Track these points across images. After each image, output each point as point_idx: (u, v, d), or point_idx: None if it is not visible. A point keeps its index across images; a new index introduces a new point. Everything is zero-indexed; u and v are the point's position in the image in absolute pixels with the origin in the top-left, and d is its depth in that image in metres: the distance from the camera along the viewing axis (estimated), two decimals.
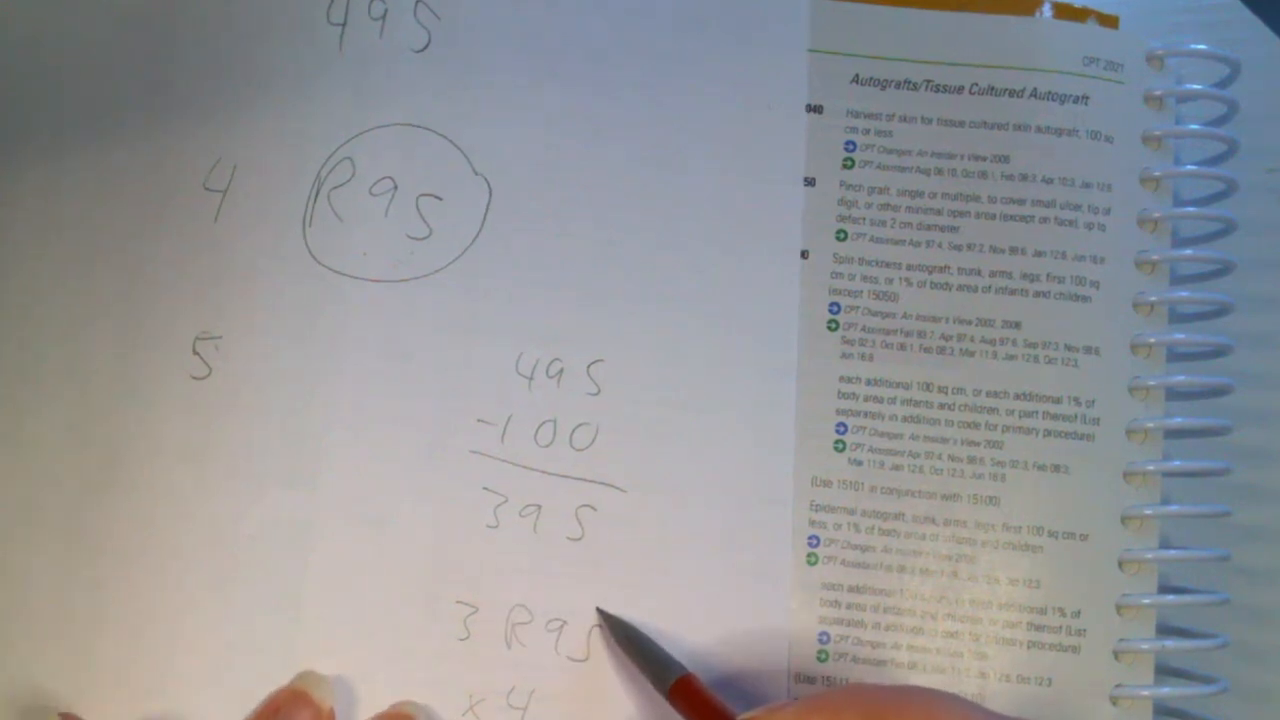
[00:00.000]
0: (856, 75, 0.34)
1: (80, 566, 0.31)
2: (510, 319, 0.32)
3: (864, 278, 0.33)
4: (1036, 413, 0.32)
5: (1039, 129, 0.33)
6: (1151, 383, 0.32)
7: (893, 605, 0.31)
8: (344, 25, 0.33)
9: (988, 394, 0.32)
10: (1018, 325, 0.32)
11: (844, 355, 0.32)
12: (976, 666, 0.31)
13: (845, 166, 0.33)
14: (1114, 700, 0.31)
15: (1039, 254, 0.33)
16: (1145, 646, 0.31)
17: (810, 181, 0.33)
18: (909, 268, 0.33)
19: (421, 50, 0.33)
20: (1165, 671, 0.32)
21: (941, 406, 0.32)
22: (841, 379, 0.32)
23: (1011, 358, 0.32)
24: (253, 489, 0.31)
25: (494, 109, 0.33)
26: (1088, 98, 0.33)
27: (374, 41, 0.33)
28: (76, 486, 0.31)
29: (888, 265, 0.33)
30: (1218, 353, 0.33)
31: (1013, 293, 0.33)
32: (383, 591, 0.31)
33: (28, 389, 0.32)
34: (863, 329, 0.33)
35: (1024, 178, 0.33)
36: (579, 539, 0.31)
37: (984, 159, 0.33)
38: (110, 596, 0.30)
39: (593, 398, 0.32)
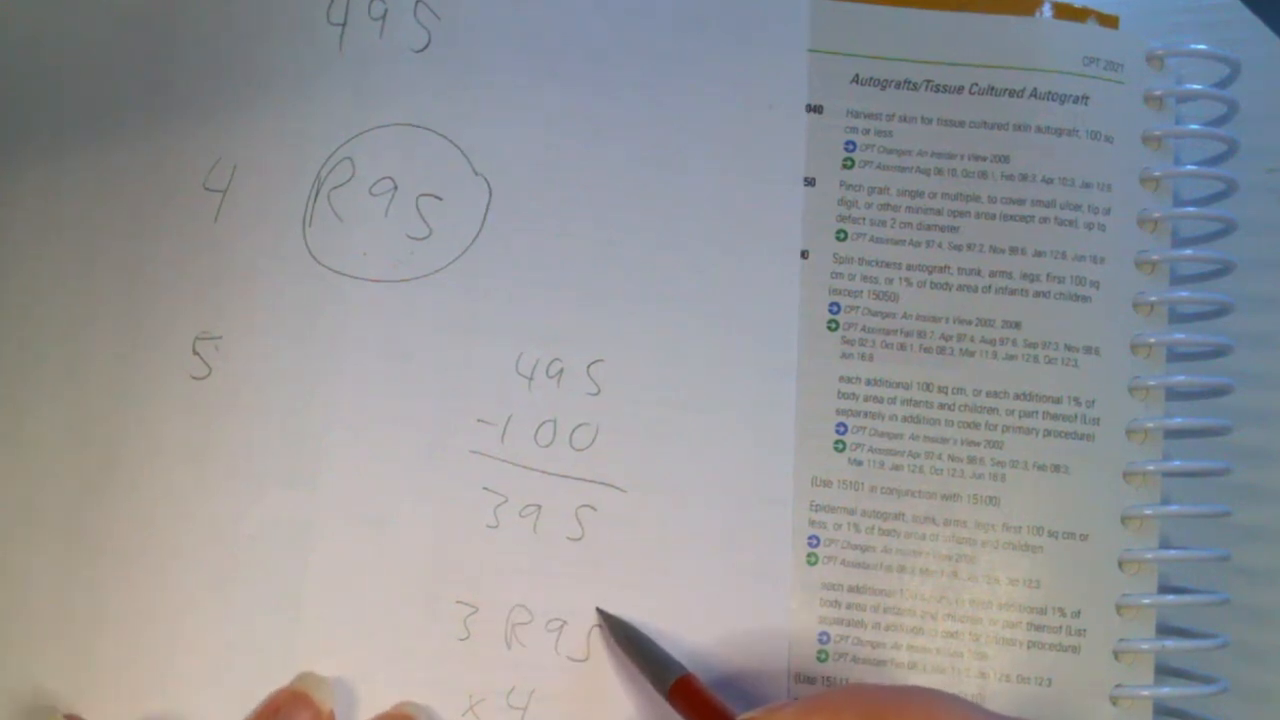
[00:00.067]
0: (856, 75, 0.34)
1: (80, 566, 0.31)
2: (510, 319, 0.32)
3: (864, 278, 0.33)
4: (1036, 413, 0.32)
5: (1039, 129, 0.33)
6: (1151, 383, 0.32)
7: (893, 605, 0.31)
8: (344, 25, 0.33)
9: (988, 394, 0.32)
10: (1018, 325, 0.32)
11: (844, 355, 0.32)
12: (976, 666, 0.31)
13: (845, 166, 0.33)
14: (1114, 700, 0.31)
15: (1039, 254, 0.33)
16: (1145, 646, 0.31)
17: (810, 181, 0.33)
18: (909, 268, 0.33)
19: (421, 50, 0.33)
20: (1165, 671, 0.32)
21: (941, 406, 0.32)
22: (841, 379, 0.32)
23: (1011, 358, 0.32)
24: (253, 489, 0.31)
25: (494, 109, 0.33)
26: (1088, 98, 0.33)
27: (374, 41, 0.33)
28: (76, 486, 0.31)
29: (888, 265, 0.33)
30: (1218, 353, 0.33)
31: (1013, 293, 0.33)
32: (383, 591, 0.31)
33: (28, 389, 0.32)
34: (863, 329, 0.33)
35: (1024, 178, 0.33)
36: (579, 539, 0.31)
37: (984, 159, 0.33)
38: (110, 596, 0.30)
39: (593, 398, 0.32)
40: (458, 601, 0.31)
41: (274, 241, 0.32)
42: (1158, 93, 0.34)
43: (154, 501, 0.31)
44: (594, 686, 0.31)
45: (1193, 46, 0.34)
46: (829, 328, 0.33)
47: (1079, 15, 0.34)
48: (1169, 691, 0.31)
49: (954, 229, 0.33)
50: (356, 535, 0.31)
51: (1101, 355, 0.32)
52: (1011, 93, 0.33)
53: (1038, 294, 0.32)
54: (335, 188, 0.32)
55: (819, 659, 0.31)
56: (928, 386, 0.32)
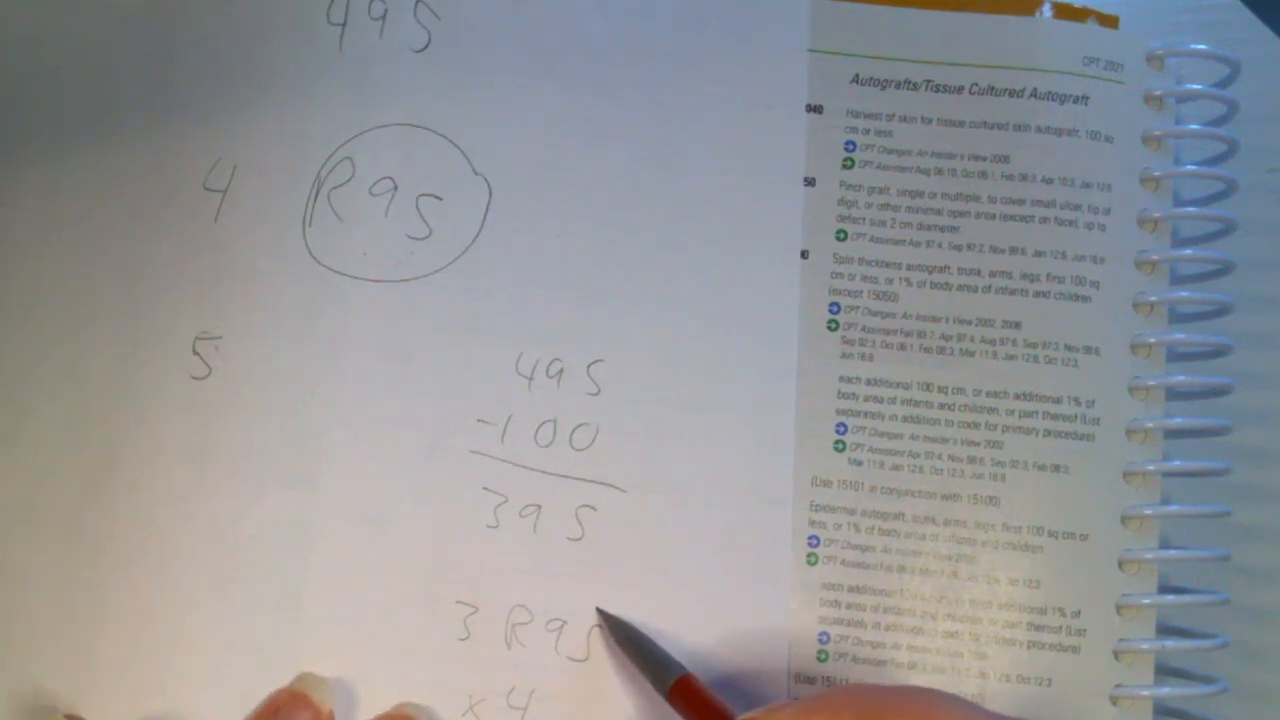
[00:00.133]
0: (856, 75, 0.34)
1: (80, 566, 0.31)
2: (510, 319, 0.32)
3: (864, 278, 0.33)
4: (1036, 413, 0.32)
5: (1039, 129, 0.33)
6: (1151, 383, 0.32)
7: (893, 605, 0.31)
8: (344, 25, 0.33)
9: (988, 394, 0.32)
10: (1018, 325, 0.32)
11: (844, 355, 0.32)
12: (976, 666, 0.31)
13: (845, 166, 0.33)
14: (1114, 700, 0.31)
15: (1039, 254, 0.33)
16: (1145, 646, 0.31)
17: (810, 181, 0.33)
18: (909, 268, 0.33)
19: (421, 50, 0.33)
20: (1165, 671, 0.32)
21: (941, 406, 0.32)
22: (841, 379, 0.32)
23: (1011, 358, 0.32)
24: (253, 489, 0.31)
25: (494, 109, 0.33)
26: (1088, 98, 0.33)
27: (374, 41, 0.33)
28: (76, 486, 0.31)
29: (888, 265, 0.33)
30: (1218, 353, 0.33)
31: (1013, 293, 0.33)
32: (383, 591, 0.31)
33: (28, 389, 0.32)
34: (863, 329, 0.33)
35: (1024, 178, 0.33)
36: (579, 539, 0.31)
37: (984, 159, 0.33)
38: (110, 596, 0.30)
39: (593, 398, 0.32)
40: (458, 601, 0.31)
41: (274, 241, 0.32)
42: (1158, 93, 0.34)
43: (154, 501, 0.31)
44: (594, 686, 0.31)
45: (1193, 46, 0.34)
46: (829, 328, 0.33)
47: (1079, 15, 0.34)
48: (1169, 691, 0.31)
49: (954, 229, 0.33)
50: (356, 535, 0.31)
51: (1101, 355, 0.32)
52: (1011, 93, 0.33)
53: (1038, 294, 0.32)
54: (335, 188, 0.32)
55: (819, 659, 0.31)
56: (928, 386, 0.32)
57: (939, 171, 0.33)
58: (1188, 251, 0.34)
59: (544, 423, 0.32)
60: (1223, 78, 0.34)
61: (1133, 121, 0.34)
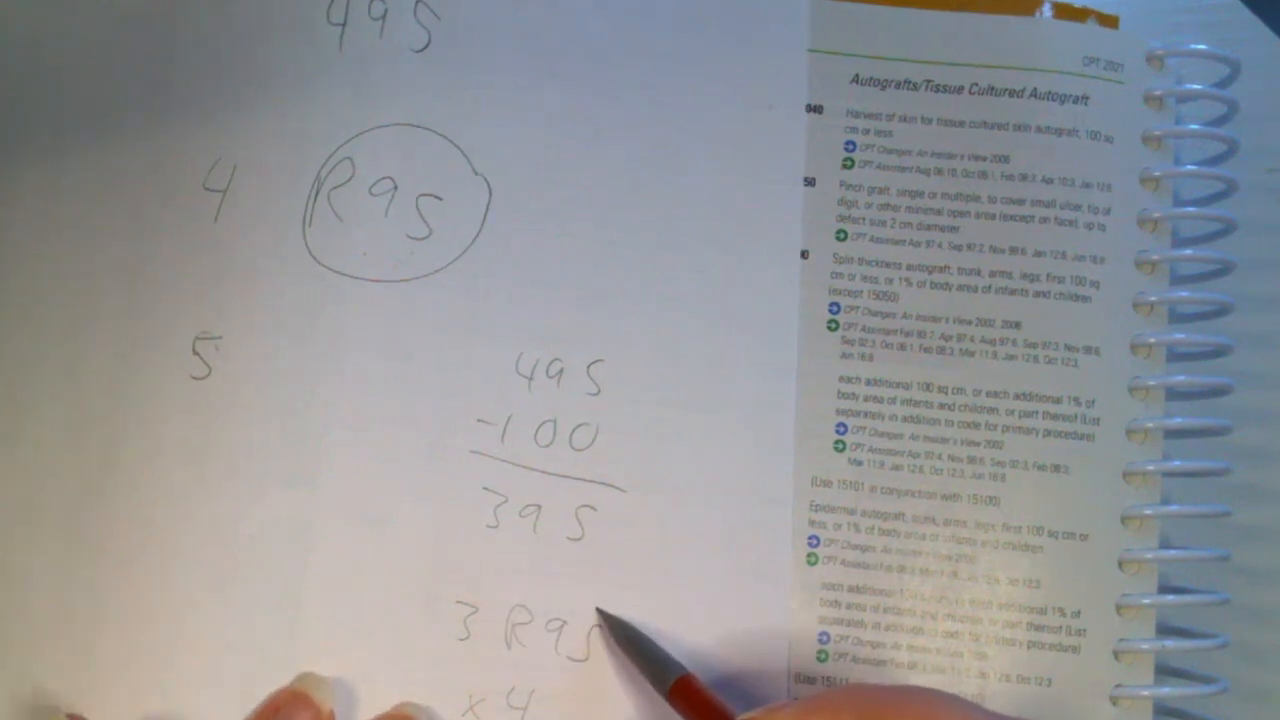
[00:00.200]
0: (856, 75, 0.34)
1: (80, 566, 0.31)
2: (510, 319, 0.32)
3: (864, 278, 0.33)
4: (1036, 413, 0.32)
5: (1039, 129, 0.33)
6: (1151, 383, 0.32)
7: (893, 605, 0.31)
8: (344, 25, 0.33)
9: (988, 394, 0.32)
10: (1018, 325, 0.32)
11: (844, 355, 0.32)
12: (976, 666, 0.31)
13: (845, 166, 0.33)
14: (1114, 700, 0.31)
15: (1039, 254, 0.33)
16: (1145, 646, 0.31)
17: (810, 181, 0.33)
18: (909, 268, 0.33)
19: (421, 50, 0.33)
20: (1165, 671, 0.32)
21: (941, 406, 0.32)
22: (841, 379, 0.32)
23: (1011, 358, 0.32)
24: (253, 489, 0.31)
25: (494, 109, 0.33)
26: (1088, 98, 0.33)
27: (374, 41, 0.33)
28: (76, 486, 0.31)
29: (888, 265, 0.33)
30: (1218, 353, 0.33)
31: (1013, 293, 0.33)
32: (383, 591, 0.31)
33: (28, 389, 0.32)
34: (863, 329, 0.33)
35: (1024, 178, 0.33)
36: (579, 539, 0.31)
37: (984, 159, 0.33)
38: (110, 596, 0.30)
39: (593, 398, 0.32)
40: (458, 601, 0.31)
41: (274, 241, 0.32)
42: (1158, 93, 0.34)
43: (154, 501, 0.31)
44: (594, 686, 0.31)
45: (1193, 46, 0.34)
46: (829, 328, 0.33)
47: (1079, 15, 0.34)
48: (1169, 691, 0.31)
49: (954, 229, 0.33)
50: (356, 535, 0.31)
51: (1101, 355, 0.32)
52: (1011, 93, 0.33)
53: (1038, 294, 0.32)
54: (335, 188, 0.32)
55: (819, 659, 0.31)
56: (928, 386, 0.32)
57: (939, 171, 0.33)
58: (1188, 251, 0.34)
59: (544, 423, 0.32)
60: (1223, 78, 0.34)
61: (1133, 121, 0.34)
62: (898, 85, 0.34)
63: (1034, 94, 0.33)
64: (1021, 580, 0.31)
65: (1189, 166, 0.34)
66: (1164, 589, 0.32)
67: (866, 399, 0.32)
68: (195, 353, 0.32)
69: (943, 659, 0.31)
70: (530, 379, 0.32)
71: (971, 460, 0.32)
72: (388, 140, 0.33)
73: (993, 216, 0.33)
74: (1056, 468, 0.32)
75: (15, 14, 0.33)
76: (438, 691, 0.30)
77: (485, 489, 0.31)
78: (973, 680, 0.31)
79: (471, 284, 0.32)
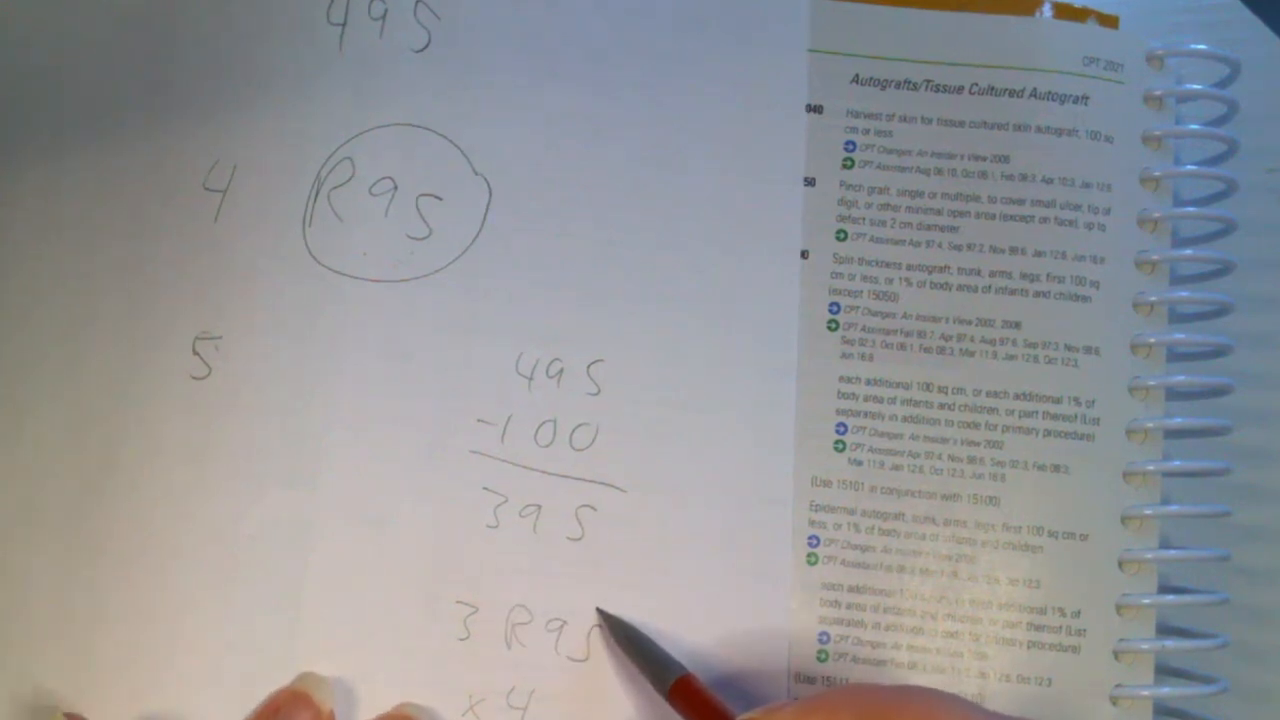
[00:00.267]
0: (856, 75, 0.34)
1: (80, 566, 0.31)
2: (510, 319, 0.32)
3: (864, 278, 0.33)
4: (1036, 413, 0.32)
5: (1039, 129, 0.33)
6: (1151, 383, 0.32)
7: (893, 605, 0.31)
8: (344, 25, 0.33)
9: (988, 394, 0.32)
10: (1018, 325, 0.32)
11: (844, 355, 0.32)
12: (976, 666, 0.31)
13: (845, 166, 0.33)
14: (1114, 700, 0.31)
15: (1039, 254, 0.33)
16: (1145, 646, 0.31)
17: (810, 181, 0.33)
18: (909, 268, 0.33)
19: (421, 50, 0.33)
20: (1165, 671, 0.32)
21: (941, 406, 0.32)
22: (841, 379, 0.32)
23: (1011, 358, 0.32)
24: (253, 489, 0.31)
25: (494, 109, 0.33)
26: (1088, 98, 0.33)
27: (374, 41, 0.33)
28: (76, 486, 0.31)
29: (888, 265, 0.33)
30: (1218, 353, 0.33)
31: (1013, 293, 0.33)
32: (383, 591, 0.31)
33: (28, 389, 0.32)
34: (863, 329, 0.33)
35: (1024, 178, 0.33)
36: (579, 539, 0.31)
37: (984, 159, 0.33)
38: (110, 596, 0.30)
39: (593, 398, 0.32)
40: (458, 601, 0.31)
41: (274, 241, 0.32)
42: (1158, 93, 0.34)
43: (154, 501, 0.31)
44: (594, 686, 0.31)
45: (1193, 46, 0.34)
46: (829, 328, 0.33)
47: (1079, 15, 0.34)
48: (1169, 691, 0.31)
49: (954, 229, 0.33)
50: (356, 535, 0.31)
51: (1101, 355, 0.32)
52: (1011, 93, 0.33)
53: (1038, 294, 0.32)
54: (335, 188, 0.32)
55: (819, 659, 0.31)
56: (928, 386, 0.32)
57: (939, 171, 0.33)
58: (1188, 251, 0.34)
59: (544, 423, 0.32)
60: (1223, 78, 0.34)
61: (1133, 121, 0.34)
62: (898, 85, 0.34)
63: (1034, 94, 0.33)
64: (1021, 580, 0.31)
65: (1189, 166, 0.34)
66: (1164, 589, 0.32)
67: (866, 399, 0.32)
68: (195, 353, 0.32)
69: (943, 659, 0.31)
70: (530, 379, 0.32)
71: (971, 460, 0.32)
72: (388, 140, 0.33)
73: (993, 216, 0.33)
74: (1056, 468, 0.32)
75: (15, 14, 0.33)
76: (438, 691, 0.30)
77: (485, 489, 0.31)
78: (973, 680, 0.31)
79: (471, 284, 0.32)
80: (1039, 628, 0.31)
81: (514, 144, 0.33)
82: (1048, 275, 0.33)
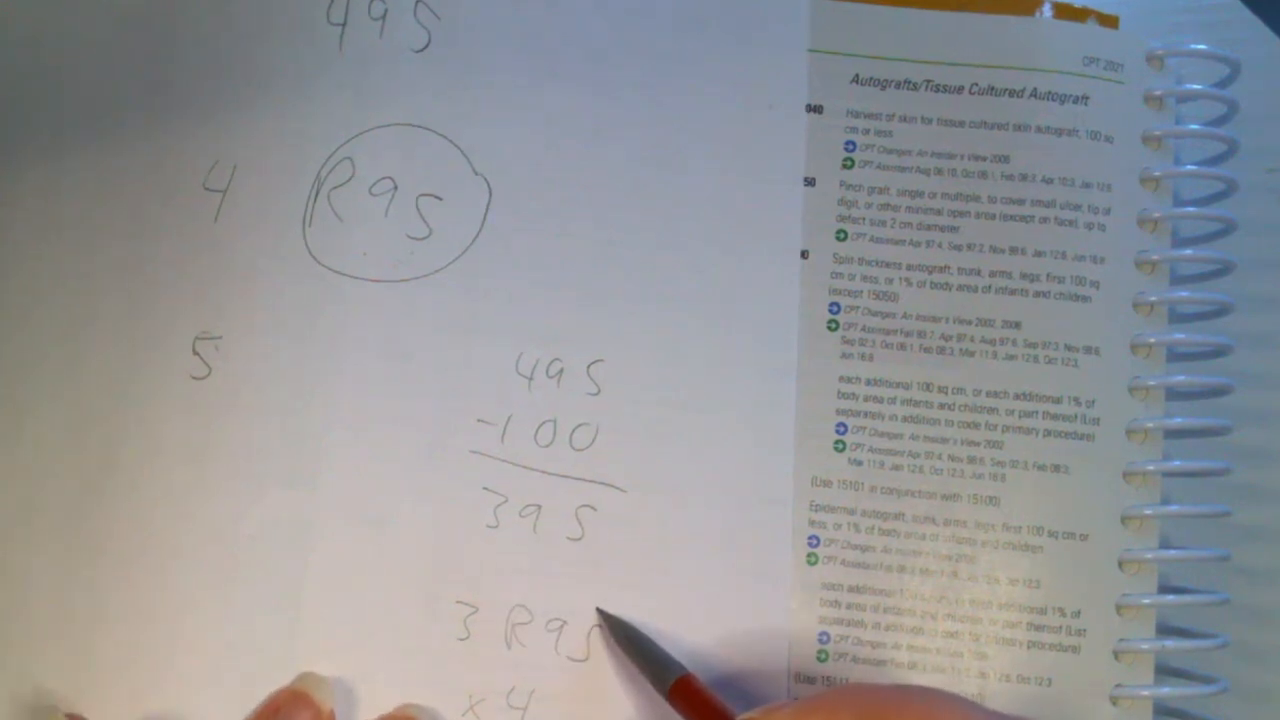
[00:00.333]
0: (856, 75, 0.34)
1: (80, 566, 0.31)
2: (510, 319, 0.32)
3: (864, 278, 0.33)
4: (1036, 413, 0.32)
5: (1039, 129, 0.33)
6: (1151, 383, 0.32)
7: (893, 605, 0.31)
8: (344, 25, 0.33)
9: (988, 394, 0.32)
10: (1018, 325, 0.32)
11: (844, 355, 0.32)
12: (976, 666, 0.31)
13: (845, 166, 0.33)
14: (1114, 700, 0.31)
15: (1039, 254, 0.33)
16: (1145, 646, 0.31)
17: (810, 181, 0.33)
18: (909, 268, 0.33)
19: (421, 50, 0.33)
20: (1165, 671, 0.32)
21: (941, 406, 0.32)
22: (841, 379, 0.32)
23: (1011, 358, 0.32)
24: (253, 489, 0.31)
25: (494, 109, 0.33)
26: (1088, 98, 0.33)
27: (374, 41, 0.33)
28: (76, 486, 0.31)
29: (888, 265, 0.33)
30: (1218, 353, 0.33)
31: (1013, 293, 0.33)
32: (383, 591, 0.31)
33: (28, 389, 0.32)
34: (863, 329, 0.33)
35: (1024, 178, 0.33)
36: (579, 539, 0.31)
37: (984, 159, 0.33)
38: (110, 596, 0.30)
39: (593, 398, 0.32)
40: (458, 601, 0.31)
41: (274, 241, 0.32)
42: (1158, 93, 0.34)
43: (154, 501, 0.31)
44: (594, 686, 0.31)
45: (1193, 46, 0.34)
46: (829, 328, 0.33)
47: (1079, 15, 0.34)
48: (1169, 691, 0.31)
49: (954, 229, 0.33)
50: (356, 535, 0.31)
51: (1101, 355, 0.32)
52: (1011, 93, 0.33)
53: (1038, 294, 0.32)
54: (335, 188, 0.32)
55: (819, 659, 0.31)
56: (928, 386, 0.32)
57: (939, 171, 0.33)
58: (1188, 251, 0.34)
59: (544, 423, 0.32)
60: (1223, 78, 0.34)
61: (1133, 121, 0.34)
62: (898, 85, 0.34)
63: (1034, 94, 0.33)
64: (1021, 580, 0.31)
65: (1189, 166, 0.34)
66: (1164, 589, 0.32)
67: (866, 399, 0.32)
68: (195, 353, 0.32)
69: (943, 659, 0.31)
70: (530, 379, 0.32)
71: (971, 460, 0.32)
72: (388, 140, 0.33)
73: (993, 216, 0.33)
74: (1056, 468, 0.32)
75: (15, 14, 0.33)
76: (438, 691, 0.30)
77: (485, 489, 0.31)
78: (973, 680, 0.31)
79: (471, 284, 0.32)
80: (1039, 628, 0.31)
81: (514, 144, 0.33)
82: (1048, 275, 0.33)
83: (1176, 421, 0.32)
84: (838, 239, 0.33)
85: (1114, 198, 0.33)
